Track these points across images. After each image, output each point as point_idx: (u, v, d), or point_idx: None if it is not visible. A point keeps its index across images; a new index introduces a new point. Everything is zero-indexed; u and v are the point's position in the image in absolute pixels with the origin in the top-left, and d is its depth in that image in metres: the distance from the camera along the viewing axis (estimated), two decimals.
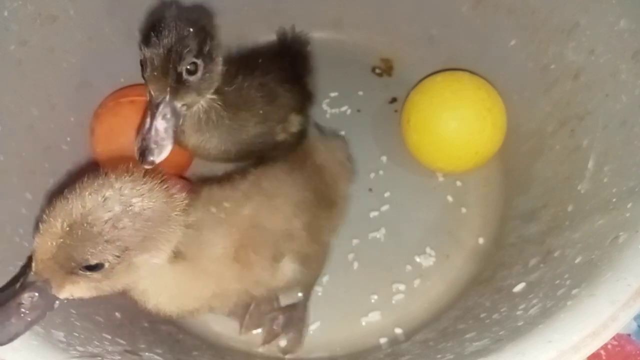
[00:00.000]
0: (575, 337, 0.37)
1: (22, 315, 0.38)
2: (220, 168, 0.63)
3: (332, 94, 0.78)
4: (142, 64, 0.48)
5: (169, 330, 0.58)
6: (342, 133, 0.74)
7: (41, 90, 0.60)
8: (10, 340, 0.37)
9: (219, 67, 0.52)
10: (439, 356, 0.46)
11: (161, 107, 0.48)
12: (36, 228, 0.38)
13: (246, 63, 0.61)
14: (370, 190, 0.71)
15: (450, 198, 0.70)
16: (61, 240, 0.37)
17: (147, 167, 0.46)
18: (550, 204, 0.59)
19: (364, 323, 0.62)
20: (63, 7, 0.61)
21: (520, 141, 0.68)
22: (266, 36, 0.76)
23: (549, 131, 0.64)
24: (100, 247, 0.37)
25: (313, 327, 0.61)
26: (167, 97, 0.48)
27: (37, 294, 0.38)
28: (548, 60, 0.64)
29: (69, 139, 0.63)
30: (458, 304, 0.61)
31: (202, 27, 0.50)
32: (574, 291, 0.41)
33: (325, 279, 0.64)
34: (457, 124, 0.65)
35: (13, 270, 0.47)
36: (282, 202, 0.50)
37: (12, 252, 0.47)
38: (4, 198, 0.52)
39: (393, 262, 0.65)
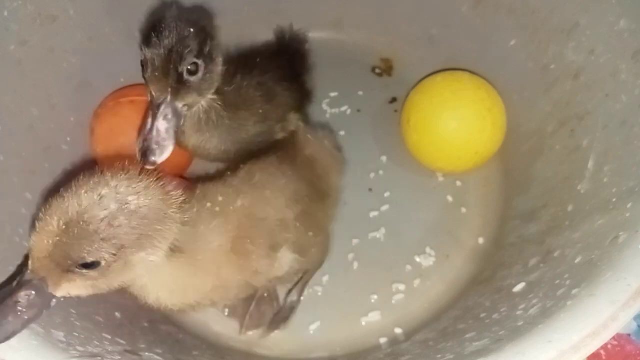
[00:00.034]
0: (575, 337, 0.37)
1: (19, 313, 0.38)
2: (217, 168, 0.63)
3: (332, 94, 0.78)
4: (143, 64, 0.48)
5: (169, 330, 0.58)
6: (342, 133, 0.74)
7: (41, 90, 0.60)
8: (8, 338, 0.37)
9: (219, 67, 0.52)
10: (439, 356, 0.46)
11: (162, 107, 0.48)
12: (32, 226, 0.38)
13: (245, 62, 0.62)
14: (370, 190, 0.71)
15: (450, 198, 0.70)
16: (57, 238, 0.37)
17: (148, 167, 0.46)
18: (550, 204, 0.59)
19: (364, 323, 0.62)
20: (63, 7, 0.61)
21: (520, 141, 0.68)
22: (266, 36, 0.76)
23: (549, 131, 0.64)
24: (96, 245, 0.37)
25: (313, 327, 0.61)
26: (168, 98, 0.48)
27: (33, 293, 0.38)
28: (548, 60, 0.64)
29: (69, 139, 0.63)
30: (458, 304, 0.61)
31: (203, 27, 0.50)
32: (574, 291, 0.41)
33: (325, 279, 0.64)
34: (457, 124, 0.65)
35: (13, 270, 0.47)
36: (274, 194, 0.51)
37: (12, 252, 0.47)
38: (4, 198, 0.52)
39: (393, 262, 0.65)
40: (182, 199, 0.41)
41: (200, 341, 0.60)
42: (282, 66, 0.66)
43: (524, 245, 0.59)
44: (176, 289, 0.45)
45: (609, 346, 0.56)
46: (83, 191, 0.37)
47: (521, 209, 0.65)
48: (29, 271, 0.38)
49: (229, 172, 0.53)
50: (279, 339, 0.60)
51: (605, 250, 0.44)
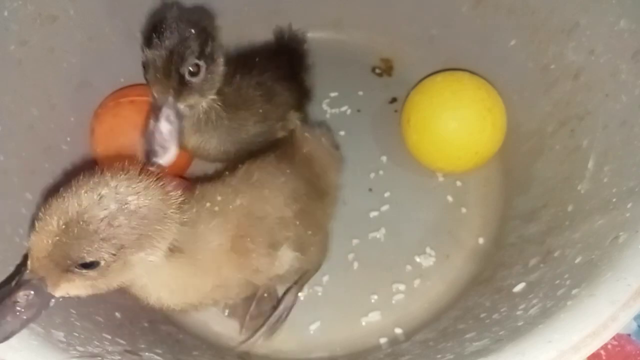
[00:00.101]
0: (575, 337, 0.37)
1: (17, 313, 0.38)
2: (216, 168, 0.63)
3: (332, 94, 0.78)
4: (145, 66, 0.48)
5: (169, 330, 0.58)
6: (342, 133, 0.74)
7: (41, 90, 0.60)
8: (6, 338, 0.37)
9: (220, 67, 0.52)
10: (439, 356, 0.46)
11: (164, 109, 0.48)
12: (32, 226, 0.38)
13: (244, 62, 0.62)
14: (370, 190, 0.71)
15: (450, 198, 0.70)
16: (57, 238, 0.37)
17: (153, 169, 0.46)
18: (550, 204, 0.59)
19: (364, 323, 0.62)
20: (63, 7, 0.61)
21: (520, 141, 0.68)
22: (266, 36, 0.76)
23: (549, 131, 0.64)
24: (96, 245, 0.37)
25: (313, 327, 0.61)
26: (170, 99, 0.48)
27: (32, 292, 0.38)
28: (548, 60, 0.64)
29: (69, 139, 0.63)
30: (458, 304, 0.61)
31: (204, 28, 0.50)
32: (574, 291, 0.41)
33: (325, 279, 0.64)
34: (457, 124, 0.65)
35: (13, 270, 0.47)
36: (273, 193, 0.51)
37: (12, 252, 0.47)
38: (4, 198, 0.52)
39: (393, 262, 0.65)
40: (181, 199, 0.41)
41: (200, 341, 0.60)
42: (281, 66, 0.66)
43: (524, 245, 0.59)
44: (177, 288, 0.45)
45: (609, 346, 0.56)
46: (83, 191, 0.37)
47: (521, 209, 0.65)
48: (27, 271, 0.38)
49: (227, 172, 0.53)
50: (279, 339, 0.60)
51: (605, 250, 0.44)
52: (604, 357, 0.55)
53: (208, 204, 0.47)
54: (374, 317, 0.62)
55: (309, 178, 0.56)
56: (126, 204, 0.38)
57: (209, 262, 0.45)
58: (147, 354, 0.48)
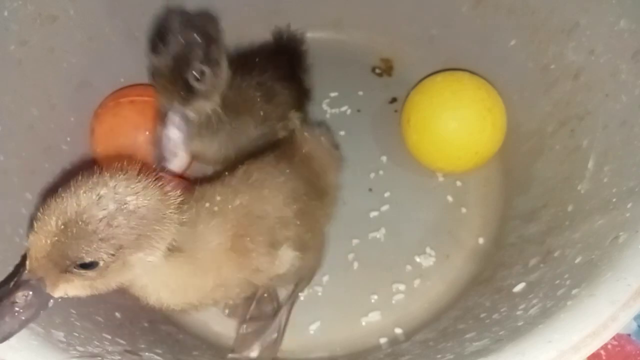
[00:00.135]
0: (575, 337, 0.37)
1: (16, 314, 0.37)
2: (215, 168, 0.63)
3: (332, 94, 0.78)
4: (151, 72, 0.48)
5: (169, 330, 0.58)
6: (342, 133, 0.74)
7: (41, 90, 0.60)
8: (5, 339, 0.37)
9: (225, 72, 0.52)
10: (439, 356, 0.46)
11: (171, 114, 0.48)
12: (31, 226, 0.38)
13: (244, 62, 0.62)
14: (370, 190, 0.71)
15: (450, 198, 0.70)
16: (56, 238, 0.37)
17: (165, 175, 0.46)
18: (550, 204, 0.59)
19: (364, 323, 0.62)
20: (63, 7, 0.61)
21: (520, 141, 0.68)
22: (266, 36, 0.76)
23: (549, 131, 0.64)
24: (94, 245, 0.37)
25: (313, 327, 0.61)
26: (177, 105, 0.48)
27: (31, 293, 0.38)
28: (548, 60, 0.64)
29: (69, 139, 0.63)
30: (458, 304, 0.61)
31: (208, 33, 0.50)
32: (574, 291, 0.41)
33: (325, 279, 0.64)
34: (457, 124, 0.65)
35: (12, 270, 0.47)
36: (272, 193, 0.50)
37: (12, 252, 0.47)
38: (4, 198, 0.52)
39: (393, 262, 0.65)
40: (180, 199, 0.41)
41: (200, 341, 0.60)
42: (280, 66, 0.66)
43: (524, 245, 0.59)
44: (177, 288, 0.45)
45: (609, 346, 0.56)
46: (82, 191, 0.37)
47: (521, 209, 0.65)
48: (26, 271, 0.38)
49: (226, 172, 0.53)
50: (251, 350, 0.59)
51: (605, 250, 0.44)
52: (604, 357, 0.55)
53: (207, 204, 0.47)
54: (374, 317, 0.62)
55: (308, 178, 0.56)
56: (125, 204, 0.38)
57: (209, 262, 0.45)
58: (147, 354, 0.48)
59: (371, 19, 0.80)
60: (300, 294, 0.62)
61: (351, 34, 0.82)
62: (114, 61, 0.68)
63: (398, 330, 0.60)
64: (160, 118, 0.49)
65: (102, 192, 0.37)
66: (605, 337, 0.37)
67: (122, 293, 0.43)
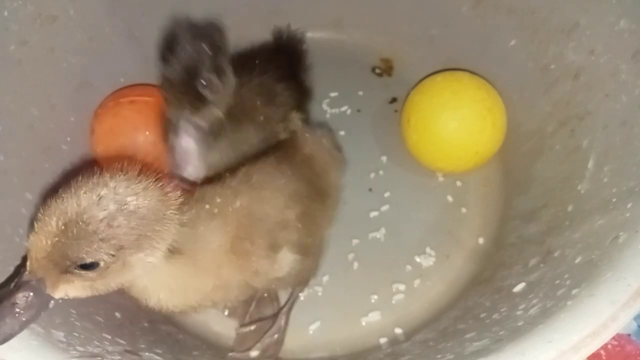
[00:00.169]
0: (575, 337, 0.37)
1: (16, 315, 0.37)
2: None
3: (332, 94, 0.78)
4: (161, 83, 0.49)
5: (169, 330, 0.58)
6: (342, 133, 0.74)
7: (41, 90, 0.60)
8: (5, 340, 0.37)
9: (231, 79, 0.52)
10: (439, 356, 0.46)
11: (184, 124, 0.48)
12: (31, 227, 0.38)
13: (243, 63, 0.61)
14: (370, 190, 0.71)
15: (450, 198, 0.70)
16: (56, 238, 0.37)
17: (185, 187, 0.46)
18: (550, 204, 0.59)
19: (364, 323, 0.62)
20: (63, 7, 0.61)
21: (520, 141, 0.68)
22: (266, 36, 0.76)
23: (549, 131, 0.64)
24: (95, 246, 0.37)
25: (313, 327, 0.61)
26: (188, 114, 0.49)
27: (31, 294, 0.38)
28: (548, 60, 0.64)
29: (69, 139, 0.63)
30: (458, 304, 0.61)
31: (215, 42, 0.50)
32: (574, 291, 0.41)
33: (325, 279, 0.64)
34: (457, 124, 0.65)
35: (13, 270, 0.47)
36: (273, 194, 0.50)
37: (12, 252, 0.47)
38: (4, 198, 0.52)
39: (393, 262, 0.65)
40: (180, 199, 0.41)
41: (200, 341, 0.60)
42: (280, 66, 0.66)
43: (524, 245, 0.59)
44: (177, 289, 0.45)
45: (609, 346, 0.56)
46: (82, 191, 0.37)
47: (521, 209, 0.65)
48: (26, 272, 0.38)
49: (227, 174, 0.53)
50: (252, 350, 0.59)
51: (605, 250, 0.44)
52: (604, 357, 0.55)
53: (207, 206, 0.47)
54: (374, 317, 0.62)
55: (310, 179, 0.56)
56: (125, 204, 0.38)
57: (209, 263, 0.45)
58: (147, 354, 0.48)
59: (371, 19, 0.80)
60: (300, 294, 0.62)
61: (351, 34, 0.82)
62: (114, 61, 0.68)
63: (398, 330, 0.60)
64: (172, 128, 0.49)
65: (102, 193, 0.37)
66: (605, 337, 0.37)
67: (122, 293, 0.43)
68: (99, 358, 0.43)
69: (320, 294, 0.63)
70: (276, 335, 0.59)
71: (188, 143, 0.48)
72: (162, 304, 0.45)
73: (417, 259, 0.66)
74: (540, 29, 0.65)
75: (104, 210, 0.37)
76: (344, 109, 0.77)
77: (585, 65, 0.59)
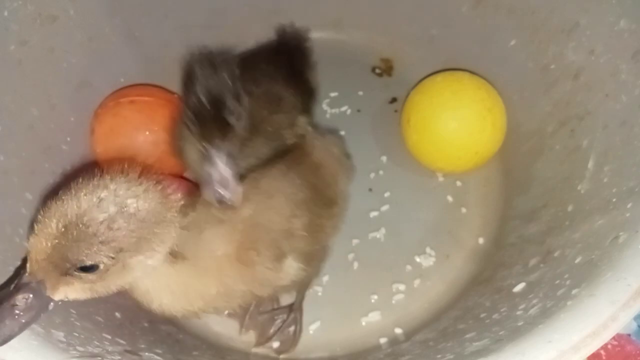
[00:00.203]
0: (575, 337, 0.37)
1: (16, 316, 0.37)
2: None
3: (332, 94, 0.78)
4: (187, 117, 0.49)
5: (169, 330, 0.58)
6: (342, 133, 0.74)
7: (41, 90, 0.60)
8: (5, 341, 0.37)
9: (246, 101, 0.53)
10: (439, 356, 0.46)
11: (216, 153, 0.49)
12: (31, 228, 0.38)
13: (245, 71, 0.61)
14: (370, 190, 0.71)
15: (450, 198, 0.70)
16: (56, 240, 0.37)
17: (226, 208, 0.47)
18: (550, 204, 0.59)
19: (364, 323, 0.62)
20: (63, 7, 0.61)
21: (520, 141, 0.68)
22: (266, 37, 0.76)
23: (549, 131, 0.64)
24: (95, 248, 0.37)
25: (313, 327, 0.61)
26: (218, 144, 0.49)
27: (31, 295, 0.38)
28: (548, 60, 0.64)
29: (69, 139, 0.63)
30: (458, 304, 0.61)
31: (232, 70, 0.51)
32: (574, 291, 0.41)
33: (325, 279, 0.64)
34: (457, 124, 0.65)
35: (13, 270, 0.47)
36: (281, 202, 0.50)
37: (12, 252, 0.47)
38: (4, 198, 0.52)
39: (393, 262, 0.65)
40: (181, 202, 0.41)
41: (200, 341, 0.60)
42: (284, 66, 0.66)
43: (524, 245, 0.59)
44: (179, 295, 0.45)
45: (609, 346, 0.56)
46: (82, 194, 0.37)
47: (521, 209, 0.65)
48: (26, 274, 0.38)
49: None
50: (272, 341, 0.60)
51: (605, 250, 0.44)
52: (604, 357, 0.55)
53: (214, 211, 0.47)
54: (374, 317, 0.62)
55: (317, 186, 0.55)
56: (125, 206, 0.38)
57: (213, 269, 0.45)
58: (147, 354, 0.48)
59: (371, 19, 0.80)
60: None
61: (351, 34, 0.82)
62: (114, 61, 0.68)
63: (398, 330, 0.60)
64: (205, 158, 0.49)
65: (102, 195, 0.37)
66: (605, 337, 0.37)
67: (123, 293, 0.43)
68: (99, 358, 0.43)
69: (320, 294, 0.63)
70: (293, 327, 0.59)
71: (224, 170, 0.49)
72: (164, 309, 0.45)
73: (417, 259, 0.66)
74: (540, 29, 0.65)
75: (104, 212, 0.37)
76: (344, 109, 0.77)
77: (585, 65, 0.59)
